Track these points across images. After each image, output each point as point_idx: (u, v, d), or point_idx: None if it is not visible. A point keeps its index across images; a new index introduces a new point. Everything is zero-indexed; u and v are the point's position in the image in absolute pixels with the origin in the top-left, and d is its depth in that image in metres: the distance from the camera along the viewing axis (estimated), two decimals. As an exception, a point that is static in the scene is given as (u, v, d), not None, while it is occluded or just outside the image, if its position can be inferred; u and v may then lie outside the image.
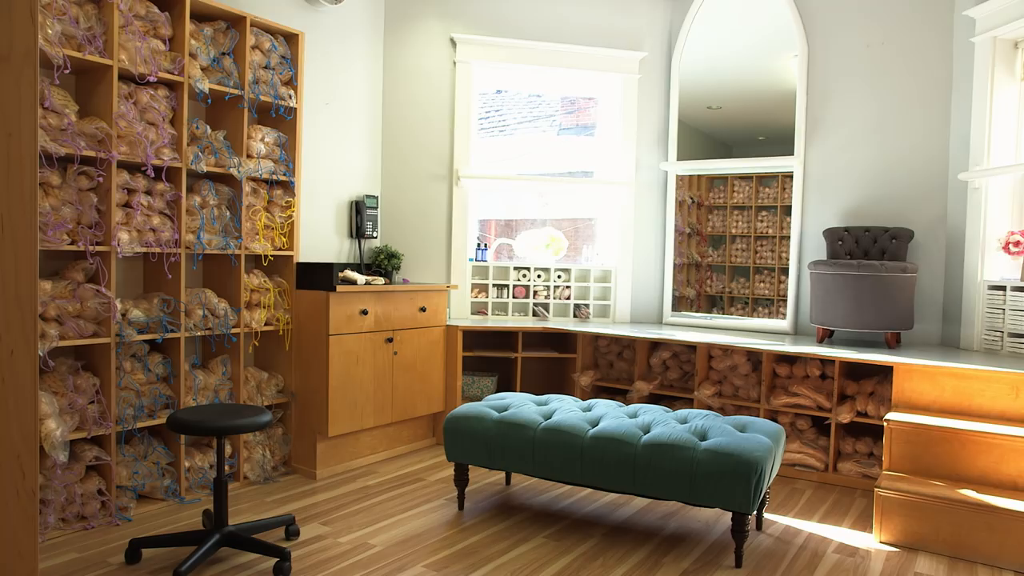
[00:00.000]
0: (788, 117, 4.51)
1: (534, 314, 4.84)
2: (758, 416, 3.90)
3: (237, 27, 3.46)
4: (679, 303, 4.93)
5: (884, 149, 4.25)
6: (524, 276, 4.85)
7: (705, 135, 5.06)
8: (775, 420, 3.92)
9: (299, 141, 3.74)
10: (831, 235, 4.23)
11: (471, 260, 4.77)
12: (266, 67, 3.61)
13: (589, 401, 3.41)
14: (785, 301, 4.59)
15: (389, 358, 3.95)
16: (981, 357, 3.58)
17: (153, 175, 3.14)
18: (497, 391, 4.62)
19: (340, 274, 3.76)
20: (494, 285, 4.81)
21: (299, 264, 3.76)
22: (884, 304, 3.78)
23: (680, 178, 4.93)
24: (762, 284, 4.89)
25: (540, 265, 4.88)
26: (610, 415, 3.14)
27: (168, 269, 3.21)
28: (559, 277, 4.88)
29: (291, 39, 3.73)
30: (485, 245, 4.89)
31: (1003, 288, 3.70)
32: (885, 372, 3.79)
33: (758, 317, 4.79)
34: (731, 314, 4.92)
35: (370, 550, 2.78)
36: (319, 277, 3.68)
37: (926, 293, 4.12)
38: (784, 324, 4.52)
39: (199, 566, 2.54)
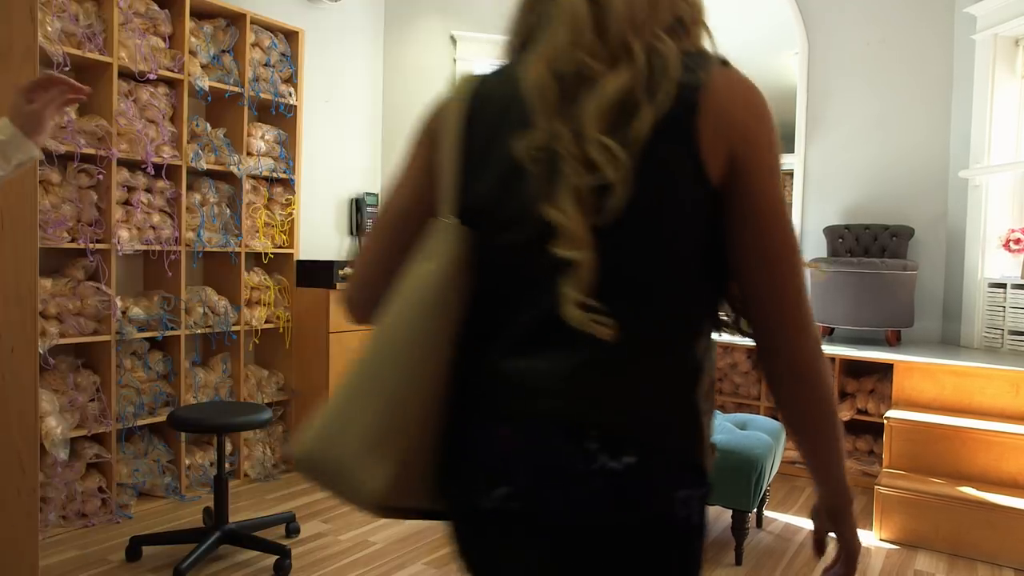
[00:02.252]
0: (788, 115, 4.50)
1: (534, 312, 4.83)
2: (758, 414, 3.89)
3: (237, 24, 3.45)
4: (679, 301, 4.93)
5: (885, 147, 4.24)
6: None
7: (705, 133, 5.05)
8: (775, 418, 3.92)
9: (299, 139, 3.74)
10: (831, 233, 4.23)
11: (471, 258, 4.77)
12: (266, 65, 3.61)
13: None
14: (785, 299, 4.58)
15: (389, 356, 3.94)
16: (981, 355, 3.58)
17: (153, 173, 3.13)
18: (497, 389, 4.62)
19: (341, 272, 3.75)
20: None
21: (299, 262, 3.76)
22: (884, 302, 3.78)
23: (680, 176, 4.92)
24: (762, 282, 4.89)
25: (540, 263, 4.88)
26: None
27: (168, 267, 3.21)
28: (559, 275, 4.87)
29: (291, 36, 3.72)
30: (485, 243, 4.89)
31: (1003, 286, 3.70)
32: (885, 370, 3.78)
33: (758, 315, 4.78)
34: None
35: (370, 547, 2.78)
36: (319, 275, 3.68)
37: (926, 291, 4.11)
38: (784, 322, 4.51)
39: (200, 563, 2.54)
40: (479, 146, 0.85)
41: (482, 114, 0.86)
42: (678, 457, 0.80)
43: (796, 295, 0.82)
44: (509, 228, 0.81)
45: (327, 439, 0.83)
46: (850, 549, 0.93)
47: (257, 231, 3.58)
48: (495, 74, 0.90)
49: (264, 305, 3.61)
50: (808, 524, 3.13)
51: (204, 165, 3.28)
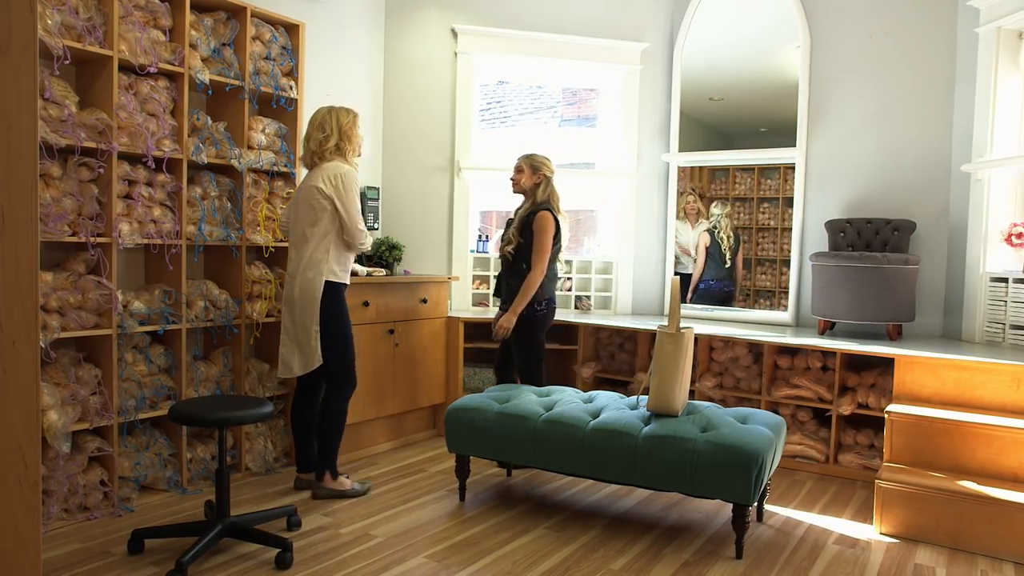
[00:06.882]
0: (790, 108, 4.50)
1: (535, 306, 4.83)
2: (759, 408, 3.90)
3: (237, 17, 3.44)
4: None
5: (886, 140, 4.23)
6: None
7: (707, 126, 5.04)
8: (776, 412, 3.92)
9: (300, 132, 3.73)
10: (833, 227, 4.23)
11: (472, 251, 4.77)
12: (267, 58, 3.60)
13: (590, 393, 3.42)
14: (786, 293, 4.58)
15: (390, 350, 3.95)
16: (982, 349, 3.58)
17: (154, 166, 3.13)
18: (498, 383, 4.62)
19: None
20: (495, 277, 4.80)
21: (300, 256, 3.75)
22: (886, 296, 3.78)
23: (682, 170, 4.91)
24: (763, 276, 4.89)
25: (541, 257, 4.87)
26: (611, 407, 3.14)
27: (169, 261, 3.21)
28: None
29: (292, 29, 3.71)
30: (486, 236, 4.88)
31: (1005, 280, 3.70)
32: (886, 364, 3.78)
33: (759, 309, 4.78)
34: (732, 306, 4.91)
35: (371, 541, 2.79)
36: (320, 269, 3.67)
37: (928, 285, 4.11)
38: (785, 316, 4.52)
39: (201, 556, 2.55)
40: None
41: None
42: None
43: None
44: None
45: None
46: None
47: (258, 225, 3.58)
48: None
49: (265, 299, 3.61)
50: (809, 518, 3.14)
51: (205, 159, 3.27)
